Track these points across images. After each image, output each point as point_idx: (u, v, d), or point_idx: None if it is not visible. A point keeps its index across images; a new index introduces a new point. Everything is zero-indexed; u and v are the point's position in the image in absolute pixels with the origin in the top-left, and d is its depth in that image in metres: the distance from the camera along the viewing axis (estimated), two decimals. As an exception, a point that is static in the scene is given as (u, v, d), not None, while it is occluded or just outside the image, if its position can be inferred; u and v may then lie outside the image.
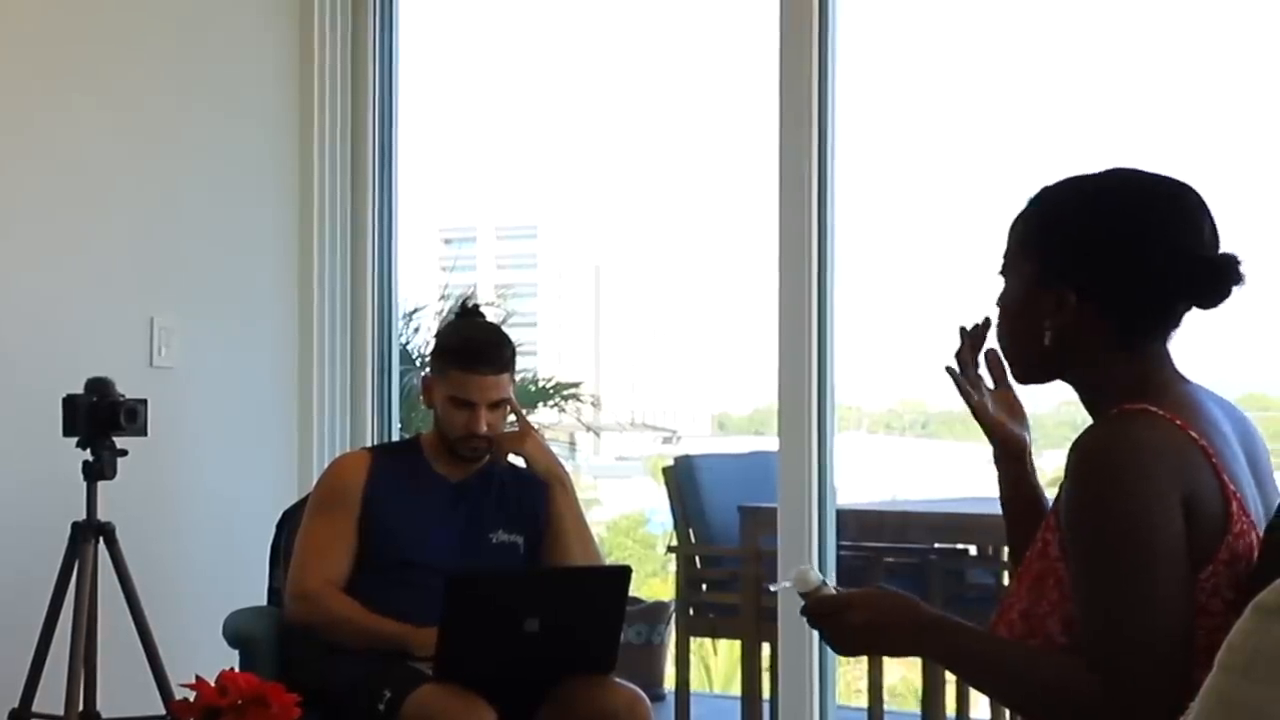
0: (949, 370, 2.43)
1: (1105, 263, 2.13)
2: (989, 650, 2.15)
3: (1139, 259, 2.12)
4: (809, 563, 4.15)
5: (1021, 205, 2.25)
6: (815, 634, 4.28)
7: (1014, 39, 6.47)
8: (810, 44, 4.33)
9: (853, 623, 2.20)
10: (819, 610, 2.23)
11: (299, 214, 5.03)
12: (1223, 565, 2.05)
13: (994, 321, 2.30)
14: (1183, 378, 2.18)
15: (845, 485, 4.78)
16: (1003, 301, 2.26)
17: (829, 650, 4.36)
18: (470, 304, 4.07)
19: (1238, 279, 2.12)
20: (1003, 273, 2.26)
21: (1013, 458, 2.42)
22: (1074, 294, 2.15)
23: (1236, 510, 2.06)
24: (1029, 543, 2.23)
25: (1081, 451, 2.07)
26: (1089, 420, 2.18)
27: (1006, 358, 2.31)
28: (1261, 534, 2.10)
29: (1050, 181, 2.23)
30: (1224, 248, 2.14)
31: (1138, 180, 2.18)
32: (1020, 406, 2.46)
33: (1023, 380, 2.33)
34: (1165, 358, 2.19)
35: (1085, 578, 2.05)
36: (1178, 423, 2.07)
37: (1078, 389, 2.22)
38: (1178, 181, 2.18)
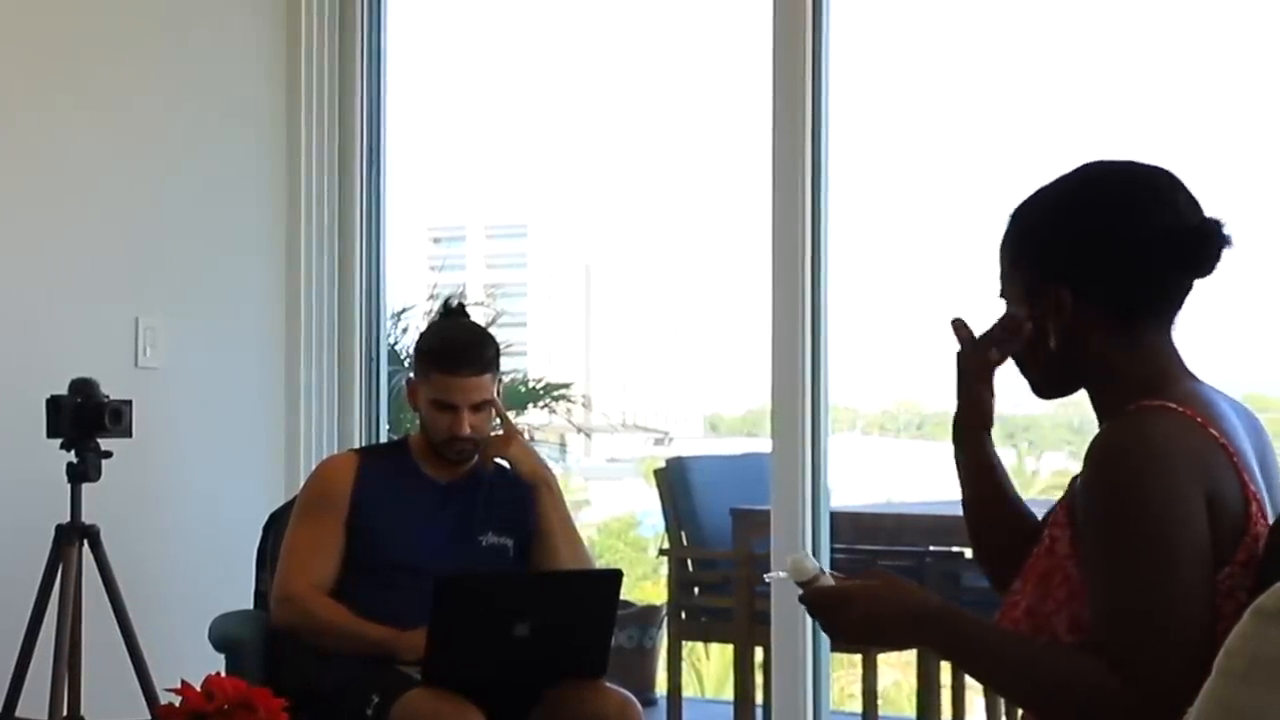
0: (955, 323, 2.32)
1: (1089, 252, 2.13)
2: (996, 642, 2.10)
3: (1120, 240, 2.11)
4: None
5: (1003, 226, 2.24)
6: (810, 636, 4.29)
7: (1007, 38, 6.47)
8: (803, 43, 4.31)
9: (851, 616, 2.14)
10: (818, 602, 2.16)
11: (286, 213, 5.01)
12: (1240, 566, 2.02)
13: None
14: (1192, 375, 2.17)
15: (839, 487, 4.76)
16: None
17: (823, 654, 4.35)
18: (454, 303, 4.04)
19: (1224, 241, 2.11)
20: (1002, 296, 2.25)
21: (981, 427, 2.34)
22: (1068, 290, 2.14)
23: (1256, 511, 2.04)
24: (1002, 535, 2.22)
25: (1101, 449, 2.04)
26: (1087, 422, 2.15)
27: (1024, 375, 2.26)
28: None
29: (1023, 197, 2.23)
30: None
31: (1105, 170, 2.19)
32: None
33: (1043, 394, 2.28)
34: (1173, 354, 2.17)
35: (1107, 576, 2.02)
36: (1198, 420, 2.04)
37: (1090, 391, 2.19)
38: (1147, 164, 2.18)
